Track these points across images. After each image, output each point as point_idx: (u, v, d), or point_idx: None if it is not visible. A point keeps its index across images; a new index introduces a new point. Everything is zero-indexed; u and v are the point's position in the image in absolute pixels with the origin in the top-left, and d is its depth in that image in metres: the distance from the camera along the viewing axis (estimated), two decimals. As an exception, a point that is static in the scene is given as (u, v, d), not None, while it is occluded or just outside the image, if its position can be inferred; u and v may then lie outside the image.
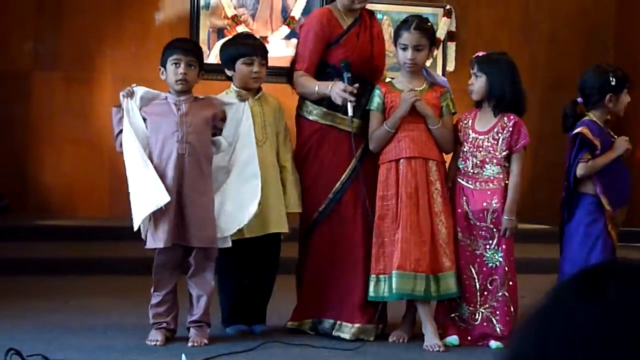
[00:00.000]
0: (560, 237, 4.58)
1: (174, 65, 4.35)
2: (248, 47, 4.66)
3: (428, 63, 4.69)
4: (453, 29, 8.57)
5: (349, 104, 4.40)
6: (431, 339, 4.35)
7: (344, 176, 4.59)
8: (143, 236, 4.32)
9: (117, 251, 6.39)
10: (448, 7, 8.53)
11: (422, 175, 4.45)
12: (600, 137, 4.41)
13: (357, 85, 4.41)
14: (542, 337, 0.97)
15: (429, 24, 4.58)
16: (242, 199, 4.36)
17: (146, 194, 4.21)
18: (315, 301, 4.62)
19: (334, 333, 4.55)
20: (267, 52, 4.72)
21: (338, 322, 4.56)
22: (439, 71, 8.24)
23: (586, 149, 4.40)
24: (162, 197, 4.17)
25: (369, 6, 4.86)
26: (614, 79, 4.44)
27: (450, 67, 8.49)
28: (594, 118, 4.46)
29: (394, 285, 4.36)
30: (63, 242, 6.79)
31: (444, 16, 8.54)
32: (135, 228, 4.26)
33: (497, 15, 8.71)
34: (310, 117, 4.64)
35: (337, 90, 4.42)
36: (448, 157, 4.65)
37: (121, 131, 4.30)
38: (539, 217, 7.16)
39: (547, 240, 7.13)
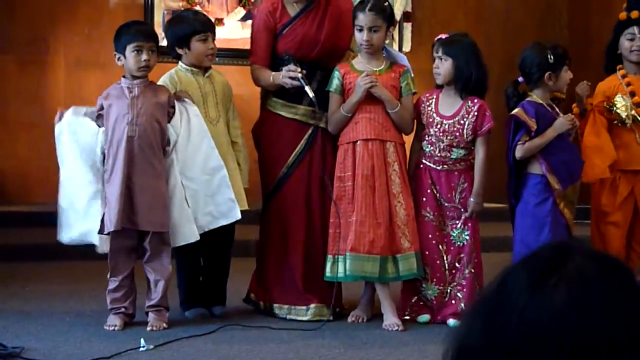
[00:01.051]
0: (511, 218, 4.61)
1: (135, 52, 4.29)
2: (201, 23, 4.62)
3: (387, 42, 4.67)
4: (409, 9, 8.57)
5: (307, 89, 4.40)
6: (390, 318, 4.39)
7: (289, 161, 4.62)
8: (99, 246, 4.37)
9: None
10: (404, -13, 8.53)
11: (379, 157, 4.46)
12: (538, 117, 4.40)
13: (304, 70, 4.42)
14: (491, 330, 0.95)
15: (386, 4, 4.54)
16: (214, 193, 4.36)
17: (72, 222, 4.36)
18: (269, 285, 4.66)
19: (288, 317, 4.57)
20: (215, 28, 4.73)
21: (292, 307, 4.58)
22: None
23: (522, 130, 4.41)
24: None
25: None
26: (551, 56, 4.42)
27: (407, 47, 8.49)
28: (534, 97, 4.45)
29: (347, 267, 4.39)
30: (18, 228, 6.72)
31: (399, -4, 8.53)
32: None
33: (452, -5, 8.73)
34: (269, 108, 4.68)
35: (283, 74, 4.45)
36: (409, 138, 4.68)
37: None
38: (495, 196, 7.22)
39: (504, 219, 7.18)
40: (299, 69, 4.42)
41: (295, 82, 4.43)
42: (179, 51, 4.57)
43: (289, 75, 4.43)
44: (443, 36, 4.55)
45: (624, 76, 4.78)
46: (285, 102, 4.61)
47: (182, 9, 7.75)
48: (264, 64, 4.63)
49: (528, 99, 4.46)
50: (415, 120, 4.62)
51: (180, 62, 4.61)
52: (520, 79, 4.53)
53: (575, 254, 0.99)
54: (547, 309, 0.93)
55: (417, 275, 4.49)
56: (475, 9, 8.82)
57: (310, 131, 4.62)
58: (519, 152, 4.41)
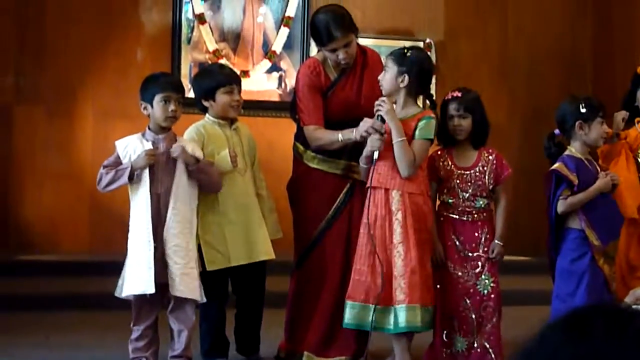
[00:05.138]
0: (551, 272, 4.51)
1: (163, 102, 4.34)
2: (226, 76, 4.68)
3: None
4: (433, 62, 8.63)
5: (375, 153, 4.31)
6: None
7: (329, 214, 4.66)
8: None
9: (99, 286, 6.32)
10: (428, 40, 8.60)
11: (382, 206, 4.40)
12: (578, 172, 4.35)
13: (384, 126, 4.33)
14: None
15: (405, 51, 4.42)
16: None
17: (137, 276, 4.24)
18: (301, 335, 4.67)
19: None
20: (240, 80, 4.78)
21: (321, 358, 4.59)
22: (420, 103, 8.28)
23: (563, 185, 4.35)
24: (148, 287, 4.19)
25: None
26: (584, 106, 4.39)
27: (431, 100, 8.53)
28: (573, 151, 4.42)
29: (346, 315, 4.37)
30: (45, 277, 6.73)
31: (424, 50, 8.60)
32: (119, 295, 4.33)
33: (476, 49, 8.78)
34: (306, 162, 4.71)
35: (367, 126, 4.30)
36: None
37: (110, 172, 4.30)
38: (520, 248, 7.18)
39: (529, 272, 7.14)
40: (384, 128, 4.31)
41: (365, 136, 4.33)
42: (205, 103, 4.62)
43: (370, 130, 4.28)
44: (456, 94, 4.56)
45: None
46: (325, 157, 4.64)
47: (209, 61, 7.86)
48: (321, 124, 4.60)
49: (567, 152, 4.42)
50: (422, 170, 4.54)
51: (207, 115, 4.66)
52: (557, 131, 4.50)
53: (613, 309, 0.99)
54: (580, 346, 0.93)
55: (421, 330, 4.36)
56: (499, 63, 8.86)
57: (349, 184, 4.66)
58: (561, 206, 4.34)
